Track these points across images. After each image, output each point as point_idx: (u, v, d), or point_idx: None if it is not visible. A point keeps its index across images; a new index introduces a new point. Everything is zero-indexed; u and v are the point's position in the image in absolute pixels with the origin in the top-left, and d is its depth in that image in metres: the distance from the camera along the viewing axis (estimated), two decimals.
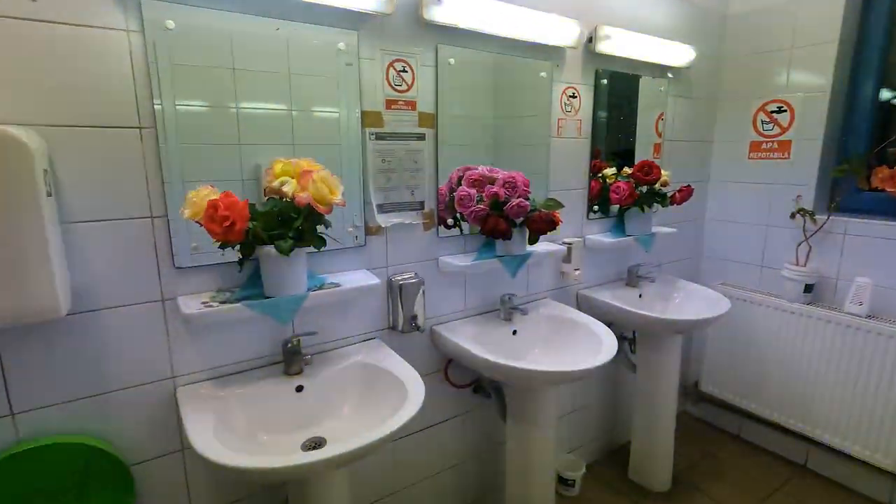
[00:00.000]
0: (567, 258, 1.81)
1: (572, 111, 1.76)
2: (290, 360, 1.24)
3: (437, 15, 1.33)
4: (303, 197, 1.06)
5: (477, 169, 1.48)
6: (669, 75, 2.06)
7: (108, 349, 1.06)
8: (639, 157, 2.01)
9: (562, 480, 1.99)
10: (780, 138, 2.13)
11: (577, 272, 1.83)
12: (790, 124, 2.09)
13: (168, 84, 1.04)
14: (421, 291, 1.45)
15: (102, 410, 1.08)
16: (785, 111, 2.10)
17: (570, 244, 1.80)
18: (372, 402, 1.22)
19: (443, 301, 1.57)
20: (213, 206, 0.98)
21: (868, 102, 1.97)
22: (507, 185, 1.45)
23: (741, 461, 2.26)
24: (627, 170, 1.94)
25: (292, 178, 1.11)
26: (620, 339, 2.02)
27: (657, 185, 1.90)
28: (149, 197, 1.05)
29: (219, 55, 1.09)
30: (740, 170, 2.28)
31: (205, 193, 1.01)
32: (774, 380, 2.17)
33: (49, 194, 0.88)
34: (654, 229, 2.03)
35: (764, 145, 2.19)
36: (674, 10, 2.02)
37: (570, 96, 1.74)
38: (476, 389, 1.69)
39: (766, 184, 2.21)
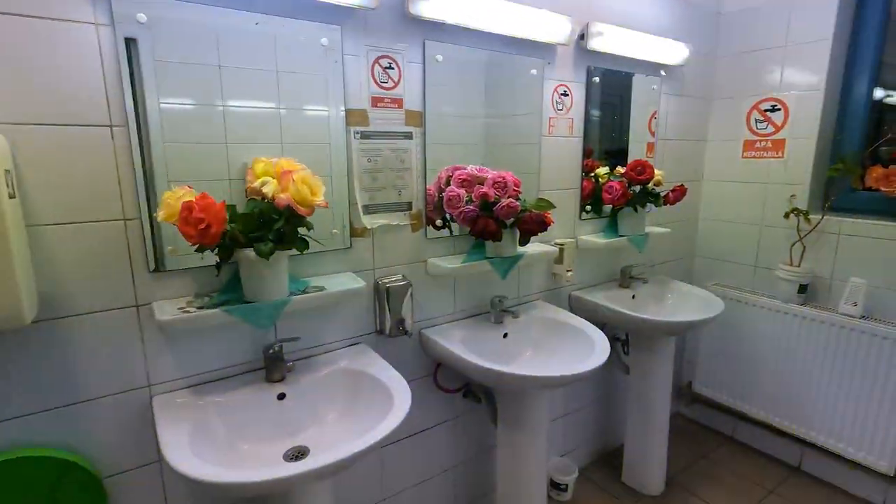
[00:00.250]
0: (559, 259, 1.78)
1: (564, 109, 1.73)
2: (272, 366, 1.20)
3: (424, 9, 1.29)
4: (282, 198, 1.02)
5: (466, 168, 1.44)
6: (662, 73, 2.03)
7: (78, 357, 1.02)
8: (632, 157, 1.98)
9: (554, 485, 1.96)
10: (774, 137, 2.11)
11: (570, 273, 1.80)
12: (784, 123, 2.07)
13: (151, 81, 1.00)
14: (409, 294, 1.41)
15: (74, 421, 1.03)
16: (779, 109, 2.08)
17: (562, 245, 1.77)
18: (357, 409, 1.18)
19: (431, 304, 1.54)
20: (187, 207, 0.94)
21: (862, 101, 1.95)
22: (496, 186, 1.41)
23: (735, 463, 2.24)
24: (620, 169, 1.91)
25: (273, 178, 1.07)
26: (613, 340, 2.00)
27: (650, 185, 1.87)
28: (121, 198, 1.01)
29: (202, 51, 1.05)
30: (734, 169, 2.26)
31: (180, 194, 0.97)
32: (768, 381, 2.15)
33: (12, 196, 0.84)
34: (648, 229, 2.00)
35: (758, 144, 2.17)
36: (667, 6, 1.99)
37: (562, 94, 1.71)
38: (466, 394, 1.66)
39: (760, 183, 2.19)
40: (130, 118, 0.98)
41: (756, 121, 2.16)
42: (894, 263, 1.84)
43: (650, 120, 2.05)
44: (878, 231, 1.87)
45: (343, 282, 1.26)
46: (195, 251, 1.00)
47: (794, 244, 2.07)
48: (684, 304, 2.03)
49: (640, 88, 1.98)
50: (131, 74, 0.98)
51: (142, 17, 0.96)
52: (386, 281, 1.39)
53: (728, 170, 2.29)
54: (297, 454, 1.12)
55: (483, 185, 1.41)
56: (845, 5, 1.90)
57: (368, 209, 1.33)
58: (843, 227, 1.96)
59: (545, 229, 1.47)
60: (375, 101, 1.30)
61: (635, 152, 2.02)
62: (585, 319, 1.62)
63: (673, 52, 1.98)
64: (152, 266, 1.06)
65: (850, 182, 1.97)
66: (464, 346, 1.42)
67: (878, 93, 1.94)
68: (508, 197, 1.41)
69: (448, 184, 1.43)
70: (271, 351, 1.19)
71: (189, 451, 0.92)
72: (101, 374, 1.05)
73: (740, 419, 2.33)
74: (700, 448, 2.35)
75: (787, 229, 2.09)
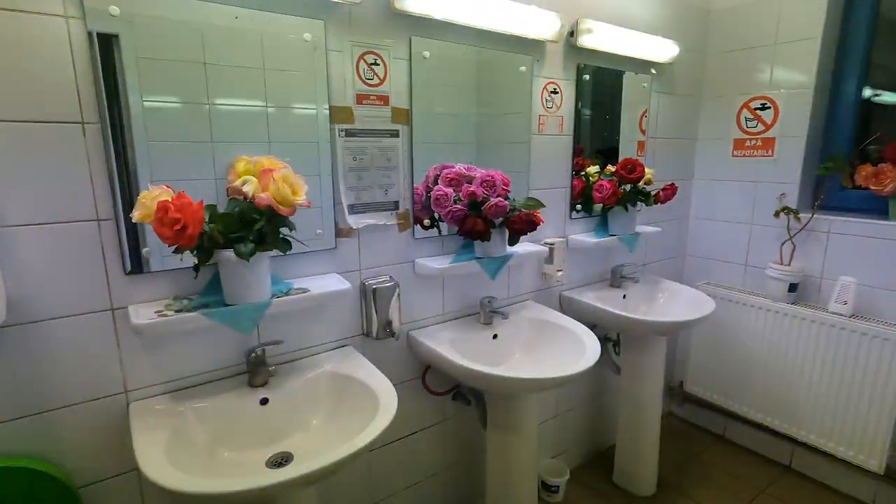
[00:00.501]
0: (549, 259, 1.76)
1: (554, 107, 1.71)
2: (255, 370, 1.16)
3: (410, 4, 1.26)
4: (262, 198, 0.99)
5: (454, 167, 1.42)
6: (653, 71, 2.02)
7: (51, 363, 0.98)
8: (622, 155, 1.97)
9: (545, 486, 1.94)
10: (764, 136, 2.10)
11: (560, 273, 1.78)
12: (774, 121, 2.07)
13: (134, 78, 0.96)
14: (396, 295, 1.38)
15: (47, 429, 1.00)
16: (769, 108, 2.07)
17: (552, 244, 1.75)
18: (342, 414, 1.15)
19: (420, 305, 1.51)
20: (163, 207, 0.90)
21: (851, 100, 1.95)
22: (485, 184, 1.39)
23: (726, 462, 2.23)
24: (611, 168, 1.89)
25: (254, 176, 1.04)
26: (604, 340, 1.99)
27: (641, 184, 1.86)
28: (94, 198, 0.97)
29: (184, 47, 1.02)
30: (724, 167, 2.25)
31: (156, 194, 0.94)
32: (759, 380, 2.15)
33: None
34: (639, 228, 1.98)
35: (748, 143, 2.16)
36: (657, 4, 1.97)
37: (552, 92, 1.69)
38: (455, 396, 1.63)
39: (750, 182, 2.18)
40: (104, 115, 0.95)
41: (746, 119, 2.15)
42: (884, 262, 1.84)
43: (641, 118, 2.04)
44: (867, 229, 1.87)
45: (328, 283, 1.23)
46: (173, 252, 0.97)
47: (784, 243, 2.06)
48: (675, 303, 2.02)
49: (631, 86, 1.96)
50: (111, 71, 0.94)
51: (114, 9, 0.92)
52: (373, 282, 1.36)
53: (718, 168, 2.28)
54: (281, 461, 1.09)
55: (471, 183, 1.39)
56: (834, 4, 1.89)
57: (354, 209, 1.31)
58: (832, 226, 1.96)
59: (535, 229, 1.45)
60: (360, 99, 1.27)
61: (626, 151, 2.00)
62: (576, 320, 1.60)
63: (663, 49, 1.96)
64: (129, 268, 1.02)
65: (839, 180, 1.97)
66: (452, 347, 1.39)
67: (867, 92, 1.94)
68: (497, 196, 1.38)
69: (436, 183, 1.40)
70: (254, 355, 1.16)
71: (165, 460, 0.89)
72: (75, 381, 1.01)
73: (731, 418, 2.32)
74: (691, 448, 2.34)
75: (778, 228, 2.09)
